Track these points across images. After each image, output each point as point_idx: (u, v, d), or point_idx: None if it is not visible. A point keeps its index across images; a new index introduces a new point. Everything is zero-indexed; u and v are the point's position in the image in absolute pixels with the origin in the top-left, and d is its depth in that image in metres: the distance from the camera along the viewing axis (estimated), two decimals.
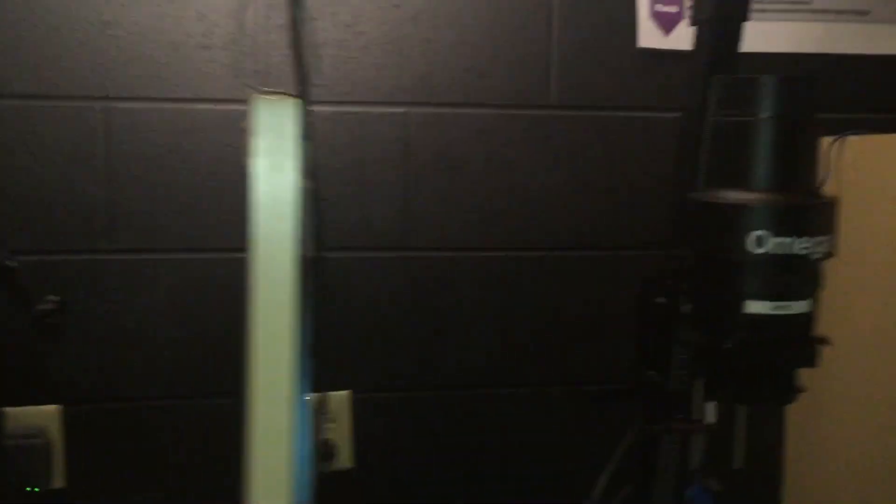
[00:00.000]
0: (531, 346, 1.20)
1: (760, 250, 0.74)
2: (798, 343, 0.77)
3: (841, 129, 1.14)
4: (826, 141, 1.17)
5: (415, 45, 1.14)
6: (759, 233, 0.74)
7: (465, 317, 1.19)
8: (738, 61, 0.87)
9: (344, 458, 1.18)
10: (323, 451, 1.16)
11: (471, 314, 1.19)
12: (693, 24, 0.89)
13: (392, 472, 1.19)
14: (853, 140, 1.11)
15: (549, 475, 1.22)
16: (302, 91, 0.58)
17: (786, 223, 0.73)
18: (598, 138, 1.18)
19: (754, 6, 1.22)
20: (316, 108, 1.13)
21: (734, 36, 0.87)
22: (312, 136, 0.69)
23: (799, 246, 0.74)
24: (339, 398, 1.17)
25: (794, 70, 1.22)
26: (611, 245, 1.19)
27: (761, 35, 1.21)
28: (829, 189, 1.17)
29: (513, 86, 1.17)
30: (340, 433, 1.17)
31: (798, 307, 0.76)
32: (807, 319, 0.77)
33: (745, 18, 0.86)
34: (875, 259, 1.06)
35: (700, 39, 0.89)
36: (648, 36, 1.17)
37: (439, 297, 1.18)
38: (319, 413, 1.16)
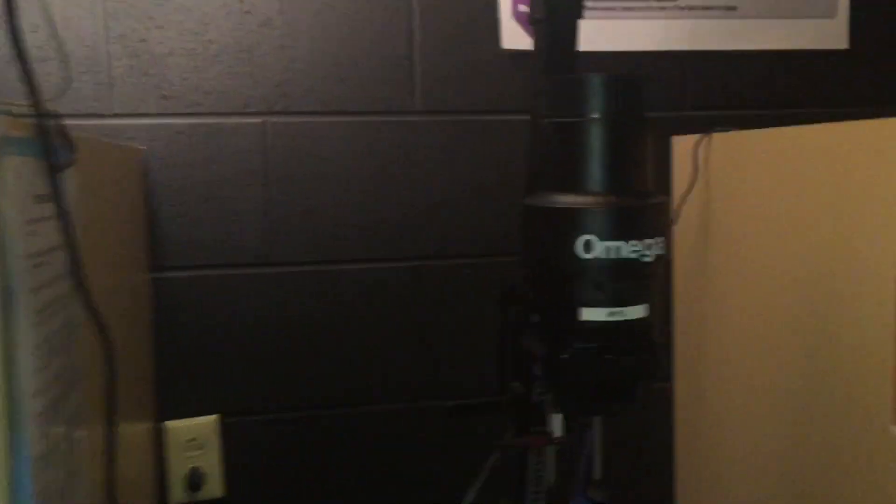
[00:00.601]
0: (401, 360, 1.16)
1: (589, 255, 0.72)
2: (638, 350, 0.74)
3: (708, 126, 1.13)
4: (692, 139, 1.15)
5: (269, 51, 1.10)
6: (586, 237, 0.71)
7: (333, 332, 1.14)
8: (575, 60, 0.85)
9: (214, 487, 1.13)
10: (190, 480, 1.11)
11: (339, 329, 1.14)
12: (531, 23, 0.87)
13: (266, 499, 1.14)
14: (719, 137, 1.10)
15: (426, 492, 1.19)
16: (35, 105, 0.53)
17: (612, 227, 0.71)
18: (464, 143, 1.15)
19: (622, 4, 1.20)
20: (166, 120, 1.08)
21: (569, 35, 0.84)
22: (73, 155, 0.63)
23: (628, 250, 0.71)
24: (207, 423, 1.12)
25: (661, 68, 1.20)
26: (480, 252, 1.16)
27: (628, 34, 1.19)
28: (697, 188, 1.17)
29: (375, 92, 1.13)
30: (209, 460, 1.12)
31: (633, 312, 0.74)
32: (645, 325, 0.74)
33: (578, 16, 0.83)
34: (746, 255, 1.05)
35: (537, 40, 0.86)
36: (512, 37, 1.15)
37: (305, 313, 1.13)
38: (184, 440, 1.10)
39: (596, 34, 1.18)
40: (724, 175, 1.09)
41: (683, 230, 1.20)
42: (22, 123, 0.55)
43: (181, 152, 1.08)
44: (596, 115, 0.73)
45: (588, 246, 0.71)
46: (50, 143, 0.55)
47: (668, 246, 0.75)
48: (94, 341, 0.68)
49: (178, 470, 1.11)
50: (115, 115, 1.07)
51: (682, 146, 1.18)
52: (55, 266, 0.62)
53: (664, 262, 0.75)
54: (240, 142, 1.10)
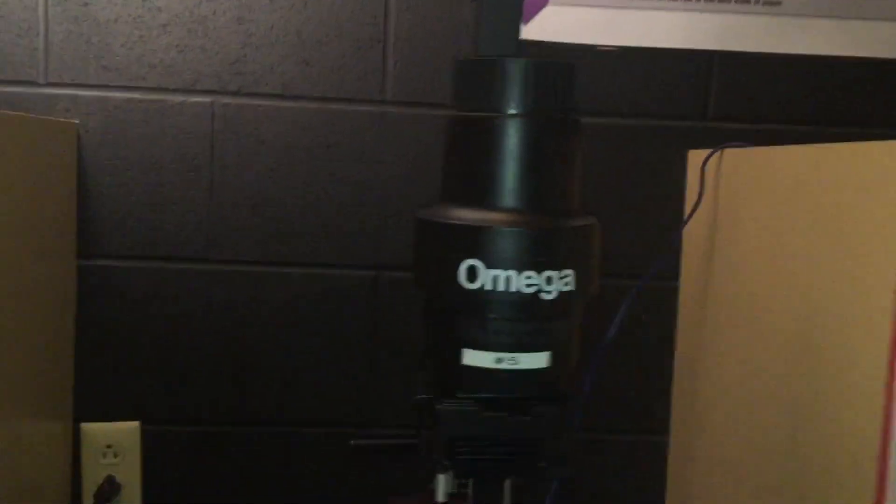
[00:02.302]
0: (346, 378, 1.03)
1: (473, 285, 0.57)
2: (531, 409, 0.58)
3: (722, 140, 0.95)
4: (700, 154, 0.98)
5: (224, 24, 0.99)
6: (470, 262, 0.56)
7: (274, 341, 1.02)
8: (520, 46, 0.70)
9: (132, 497, 1.02)
10: (106, 490, 1.01)
11: (281, 339, 1.02)
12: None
13: None
14: (732, 153, 0.92)
15: None
16: None
17: (500, 252, 0.56)
18: (439, 141, 1.01)
19: None
20: (106, 93, 0.98)
21: (510, 14, 0.69)
22: None
23: (521, 282, 0.56)
24: (127, 429, 1.02)
25: (681, 71, 1.03)
26: None
27: (643, 27, 1.02)
28: (706, 209, 0.99)
29: (342, 77, 1.00)
30: (127, 469, 1.02)
31: (530, 361, 0.58)
32: (546, 377, 0.59)
33: None
34: (744, 288, 0.87)
35: (475, 18, 0.72)
36: None
37: (244, 318, 1.01)
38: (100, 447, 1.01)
39: (604, 25, 1.02)
40: (733, 195, 0.91)
41: (690, 255, 1.02)
42: None
43: (119, 129, 0.98)
44: (499, 111, 0.58)
45: (472, 273, 0.56)
46: None
47: (587, 280, 0.59)
48: None
49: (92, 477, 1.01)
50: (50, 84, 0.97)
51: (698, 161, 1.00)
52: None
53: (577, 301, 0.59)
54: (185, 122, 0.99)
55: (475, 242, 0.56)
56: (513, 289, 0.56)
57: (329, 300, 1.02)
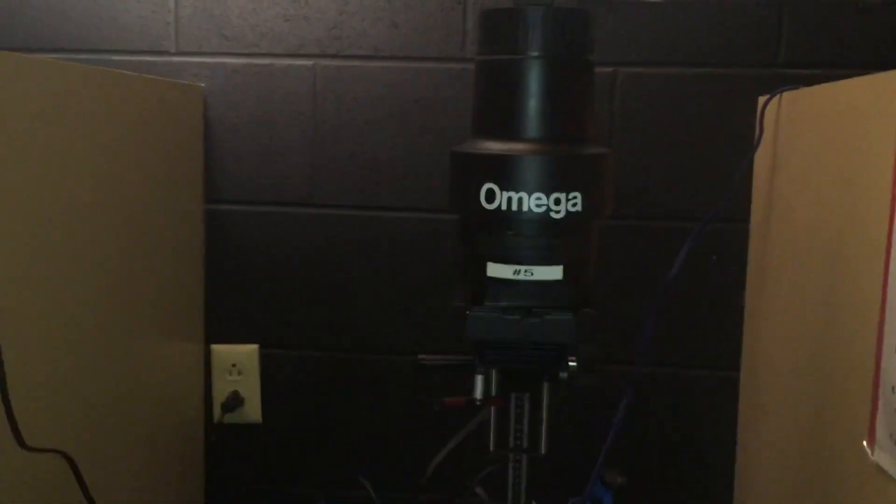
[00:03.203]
0: (432, 312, 1.14)
1: (491, 206, 0.66)
2: (546, 314, 0.67)
3: (776, 85, 0.99)
4: (760, 100, 1.01)
5: None
6: (488, 185, 0.66)
7: (368, 277, 1.15)
8: None
9: (253, 411, 1.18)
10: (231, 402, 1.17)
11: (374, 275, 1.15)
12: None
13: (297, 429, 1.18)
14: (790, 96, 0.96)
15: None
16: None
17: (512, 176, 0.65)
18: None
19: None
20: (225, 59, 1.13)
21: None
22: None
23: (532, 203, 0.65)
24: (248, 351, 1.18)
25: (752, 16, 1.06)
26: None
27: None
28: (766, 153, 1.02)
29: (427, 37, 1.11)
30: (249, 385, 1.18)
31: (544, 273, 0.67)
32: (558, 289, 0.68)
33: None
34: (792, 230, 0.91)
35: None
36: None
37: (344, 256, 1.15)
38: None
39: None
40: (792, 135, 0.94)
41: (757, 196, 1.06)
42: None
43: (237, 91, 1.13)
44: (533, 53, 0.67)
45: (491, 195, 0.66)
46: None
47: (596, 203, 0.67)
48: None
49: (220, 390, 1.18)
50: (180, 53, 1.13)
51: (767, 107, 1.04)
52: None
53: (586, 221, 0.68)
54: (291, 83, 1.13)
55: (492, 169, 0.66)
56: (525, 209, 0.65)
57: (417, 241, 1.14)
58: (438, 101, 1.11)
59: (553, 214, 0.65)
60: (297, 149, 1.14)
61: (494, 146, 0.67)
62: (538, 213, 0.65)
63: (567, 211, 0.65)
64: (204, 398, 1.18)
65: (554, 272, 0.67)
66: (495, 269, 0.68)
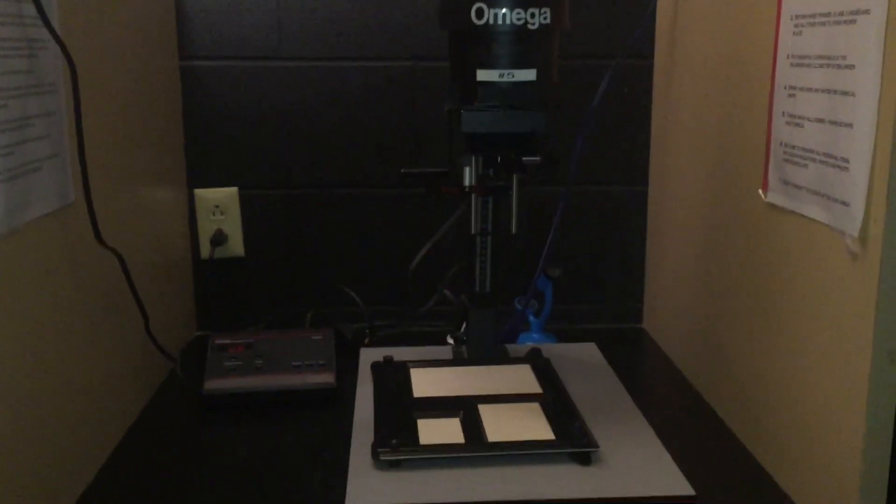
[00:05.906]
0: (397, 150, 1.32)
1: (481, 21, 0.84)
2: (525, 107, 0.87)
3: None
4: None
5: None
6: (478, 4, 0.84)
7: (337, 123, 1.31)
8: None
9: (235, 247, 1.34)
10: (217, 237, 1.33)
11: (342, 120, 1.30)
12: None
13: (277, 259, 1.35)
14: None
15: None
16: None
17: None
18: None
19: None
20: None
21: None
22: None
23: (514, 16, 0.84)
24: (228, 193, 1.33)
25: None
26: None
27: None
28: None
29: None
30: (231, 224, 1.33)
31: (523, 75, 0.87)
32: (533, 87, 0.87)
33: None
34: (701, 42, 1.13)
35: None
36: None
37: (313, 104, 1.30)
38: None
39: None
40: None
41: (660, 34, 1.28)
42: None
43: None
44: None
45: (480, 12, 0.84)
46: None
47: (560, 17, 0.86)
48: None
49: (205, 230, 1.33)
50: None
51: None
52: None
53: (553, 32, 0.87)
54: None
55: None
56: (507, 21, 0.83)
57: (375, 88, 1.30)
58: None
59: (529, 26, 0.84)
60: (263, 4, 1.26)
61: None
62: (518, 25, 0.84)
63: (540, 23, 0.84)
64: (190, 239, 1.33)
65: (529, 74, 0.86)
66: (484, 74, 0.87)
